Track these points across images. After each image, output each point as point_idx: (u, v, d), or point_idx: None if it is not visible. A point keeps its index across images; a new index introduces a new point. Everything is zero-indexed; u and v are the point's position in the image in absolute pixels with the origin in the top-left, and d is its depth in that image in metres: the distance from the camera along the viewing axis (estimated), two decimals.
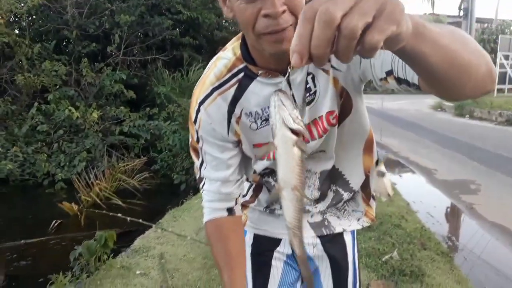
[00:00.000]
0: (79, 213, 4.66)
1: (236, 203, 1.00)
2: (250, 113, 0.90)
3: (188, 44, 8.62)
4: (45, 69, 6.57)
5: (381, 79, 0.79)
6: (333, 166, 1.03)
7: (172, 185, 6.09)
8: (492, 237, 3.89)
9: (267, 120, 0.89)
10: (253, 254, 1.16)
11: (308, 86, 0.87)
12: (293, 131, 0.52)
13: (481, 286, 2.94)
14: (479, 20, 21.64)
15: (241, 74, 0.88)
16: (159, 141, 6.96)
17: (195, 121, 0.93)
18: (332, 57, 0.82)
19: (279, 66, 0.82)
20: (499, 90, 16.84)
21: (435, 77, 0.55)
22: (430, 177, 6.31)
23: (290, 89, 0.86)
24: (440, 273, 2.94)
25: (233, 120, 0.91)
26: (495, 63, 17.95)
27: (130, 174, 6.17)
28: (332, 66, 0.85)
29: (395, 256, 3.09)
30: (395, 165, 7.41)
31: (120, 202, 5.07)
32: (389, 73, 0.75)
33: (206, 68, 0.94)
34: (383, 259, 3.06)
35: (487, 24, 25.57)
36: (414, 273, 2.86)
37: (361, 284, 2.78)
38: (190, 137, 0.98)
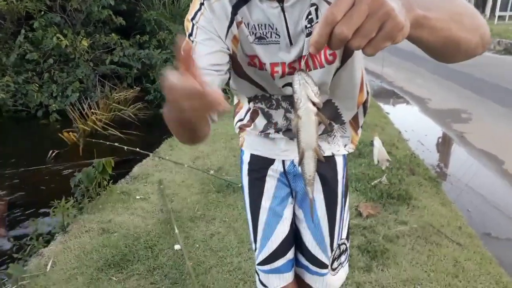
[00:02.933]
0: (77, 142, 4.71)
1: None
2: (248, 24, 0.90)
3: None
4: None
5: None
6: (330, 101, 1.06)
7: None
8: (480, 164, 4.03)
9: (260, 38, 0.91)
10: (249, 170, 1.24)
11: (310, 17, 0.86)
12: (314, 104, 0.62)
13: (465, 209, 3.11)
14: None
15: None
16: (151, 70, 6.82)
17: (193, 17, 0.89)
18: None
19: None
20: (500, 17, 16.34)
21: (430, 51, 0.63)
22: (423, 107, 6.37)
23: (284, 17, 0.86)
24: (426, 196, 3.09)
25: (234, 24, 0.89)
26: None
27: (124, 104, 6.14)
28: None
29: (384, 181, 3.22)
30: (389, 95, 7.43)
31: (116, 132, 5.11)
32: None
33: None
34: (372, 183, 3.20)
35: None
36: (402, 196, 3.01)
37: (350, 205, 2.94)
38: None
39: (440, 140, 4.96)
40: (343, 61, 0.97)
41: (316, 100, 0.62)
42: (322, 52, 0.92)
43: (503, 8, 16.34)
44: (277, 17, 0.87)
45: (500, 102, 6.16)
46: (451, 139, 4.87)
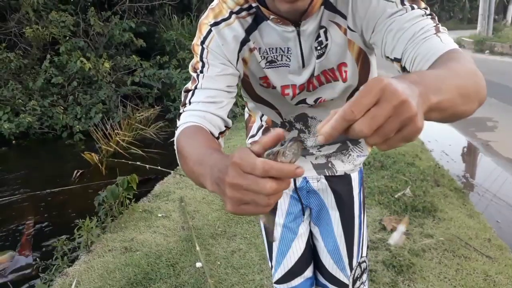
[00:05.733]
0: (99, 163, 4.81)
1: (219, 136, 0.86)
2: (260, 49, 0.89)
3: None
4: (52, 20, 6.49)
5: (387, 57, 0.79)
6: None
7: None
8: (507, 173, 3.89)
9: (271, 62, 0.90)
10: None
11: (320, 39, 0.87)
12: None
13: (493, 220, 2.99)
14: None
15: (254, 10, 0.87)
16: (171, 90, 6.96)
17: (203, 41, 0.87)
18: (349, 18, 0.84)
19: (290, 16, 0.82)
20: None
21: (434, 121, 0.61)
22: None
23: (299, 40, 0.86)
24: (452, 208, 3.00)
25: (246, 49, 0.89)
26: None
27: (146, 124, 6.25)
28: (348, 27, 0.84)
29: (408, 193, 3.14)
30: None
31: (138, 151, 5.19)
32: (397, 60, 0.76)
33: None
34: (396, 196, 3.12)
35: None
36: (427, 209, 2.93)
37: (373, 219, 2.86)
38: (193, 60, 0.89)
39: (465, 149, 4.83)
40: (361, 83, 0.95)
41: None
42: (336, 69, 0.91)
43: None
44: (292, 41, 0.87)
45: None
46: (477, 149, 4.73)
